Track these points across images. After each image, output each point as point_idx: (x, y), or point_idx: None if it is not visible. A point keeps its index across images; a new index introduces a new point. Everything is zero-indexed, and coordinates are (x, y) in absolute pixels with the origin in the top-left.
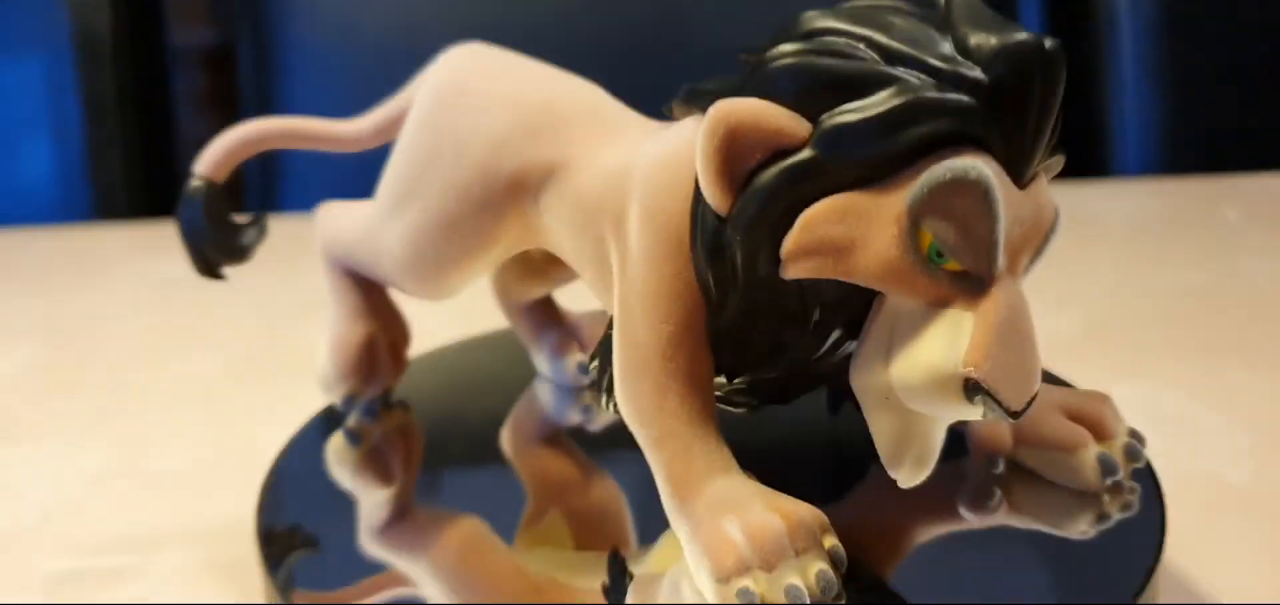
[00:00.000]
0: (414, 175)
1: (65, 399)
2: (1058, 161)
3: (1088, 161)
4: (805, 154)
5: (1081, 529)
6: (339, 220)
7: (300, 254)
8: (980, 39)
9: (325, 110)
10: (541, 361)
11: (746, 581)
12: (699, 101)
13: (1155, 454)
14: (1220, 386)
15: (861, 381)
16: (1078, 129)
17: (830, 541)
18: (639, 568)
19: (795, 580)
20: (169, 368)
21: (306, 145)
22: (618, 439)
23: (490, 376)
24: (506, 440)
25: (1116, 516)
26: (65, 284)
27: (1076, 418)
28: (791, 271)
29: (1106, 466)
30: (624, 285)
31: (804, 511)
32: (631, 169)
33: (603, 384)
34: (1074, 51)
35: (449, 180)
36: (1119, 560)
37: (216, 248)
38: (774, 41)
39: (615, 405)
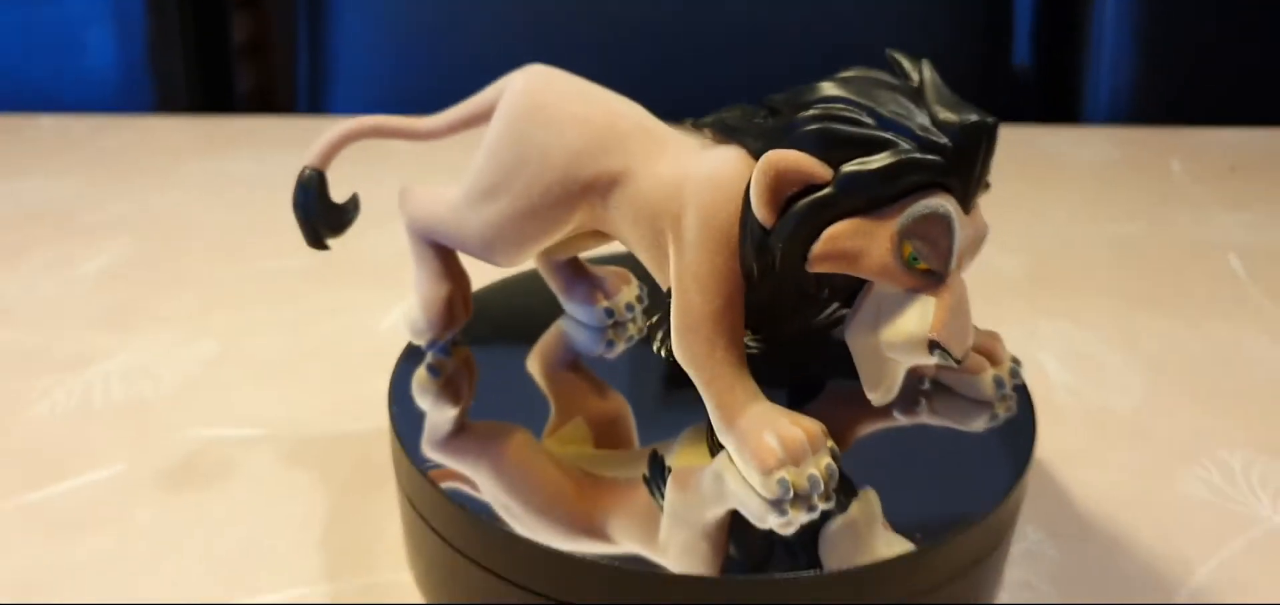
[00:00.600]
0: (502, 175)
1: (170, 290)
2: (987, 189)
3: (1062, 108)
4: (828, 191)
5: (980, 426)
6: (424, 202)
7: (349, 156)
8: (946, 116)
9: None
10: (573, 307)
11: (783, 473)
12: (732, 136)
13: (1064, 386)
14: (1128, 329)
15: (856, 339)
16: (1056, 77)
17: (830, 444)
18: (673, 462)
19: (814, 470)
20: (254, 263)
21: (391, 138)
22: (627, 366)
23: (520, 314)
24: (534, 365)
25: (1002, 417)
26: (143, 176)
27: (978, 350)
28: (816, 268)
29: (998, 384)
30: (680, 267)
31: (813, 425)
32: (684, 181)
33: (660, 337)
34: (1061, 5)
35: (534, 182)
36: (1005, 447)
37: (324, 224)
38: (796, 99)
39: (669, 352)
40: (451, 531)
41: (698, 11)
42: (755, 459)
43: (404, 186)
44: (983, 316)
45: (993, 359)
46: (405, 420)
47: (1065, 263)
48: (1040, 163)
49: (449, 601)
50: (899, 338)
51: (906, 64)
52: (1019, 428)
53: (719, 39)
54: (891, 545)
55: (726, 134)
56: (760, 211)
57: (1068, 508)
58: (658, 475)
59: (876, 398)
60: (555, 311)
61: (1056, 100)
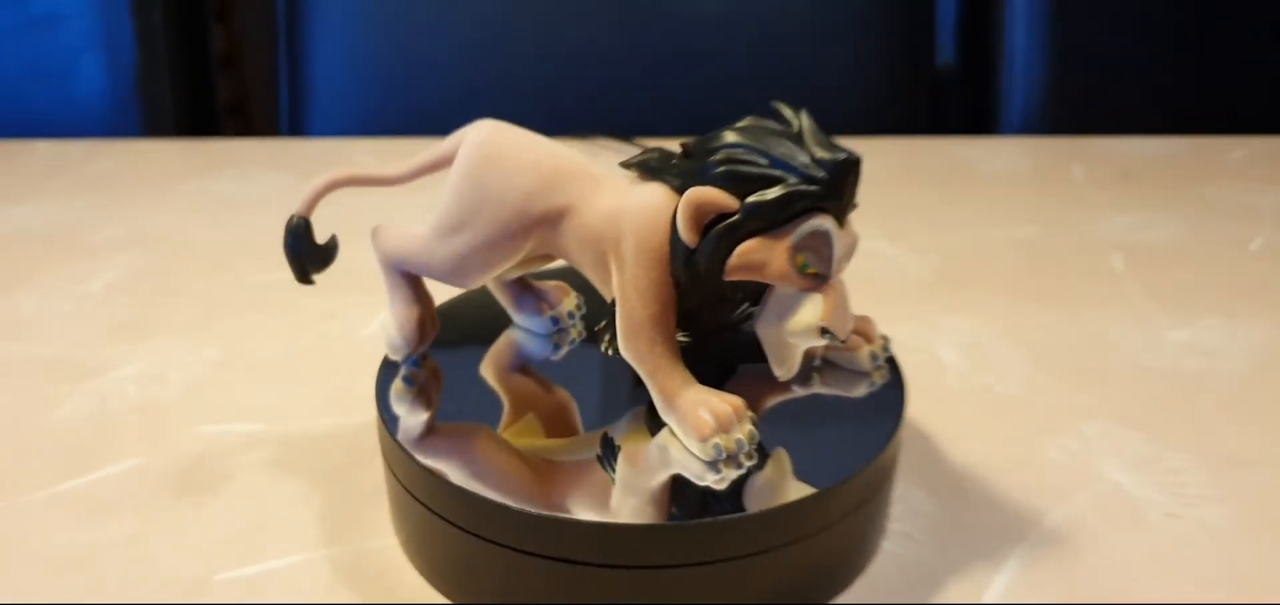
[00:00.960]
0: (467, 214)
1: (173, 302)
2: (856, 208)
3: (980, 120)
4: (737, 218)
5: (861, 392)
6: (395, 238)
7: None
8: (822, 155)
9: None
10: (522, 318)
11: (717, 439)
12: (656, 175)
13: (955, 371)
14: (1016, 321)
15: (764, 330)
16: (975, 91)
17: (751, 414)
18: (621, 442)
19: (740, 436)
20: (247, 277)
21: (365, 185)
22: (568, 367)
23: (472, 327)
24: (488, 371)
25: (878, 384)
26: (137, 198)
27: (856, 332)
28: (730, 277)
29: (873, 358)
30: (623, 281)
31: (736, 400)
32: (621, 213)
33: (608, 338)
34: (976, 23)
35: (494, 218)
36: (882, 409)
37: (312, 262)
38: (705, 145)
39: (617, 350)
40: (430, 498)
41: (649, 34)
42: (694, 430)
43: (375, 226)
44: (891, 311)
45: (867, 338)
46: (389, 411)
47: (968, 263)
48: (957, 172)
49: (428, 561)
50: (799, 327)
51: (788, 113)
52: (892, 393)
53: (667, 53)
54: (798, 491)
55: (650, 174)
56: (686, 235)
57: (947, 472)
58: (609, 454)
59: (782, 375)
60: (504, 322)
61: (978, 100)
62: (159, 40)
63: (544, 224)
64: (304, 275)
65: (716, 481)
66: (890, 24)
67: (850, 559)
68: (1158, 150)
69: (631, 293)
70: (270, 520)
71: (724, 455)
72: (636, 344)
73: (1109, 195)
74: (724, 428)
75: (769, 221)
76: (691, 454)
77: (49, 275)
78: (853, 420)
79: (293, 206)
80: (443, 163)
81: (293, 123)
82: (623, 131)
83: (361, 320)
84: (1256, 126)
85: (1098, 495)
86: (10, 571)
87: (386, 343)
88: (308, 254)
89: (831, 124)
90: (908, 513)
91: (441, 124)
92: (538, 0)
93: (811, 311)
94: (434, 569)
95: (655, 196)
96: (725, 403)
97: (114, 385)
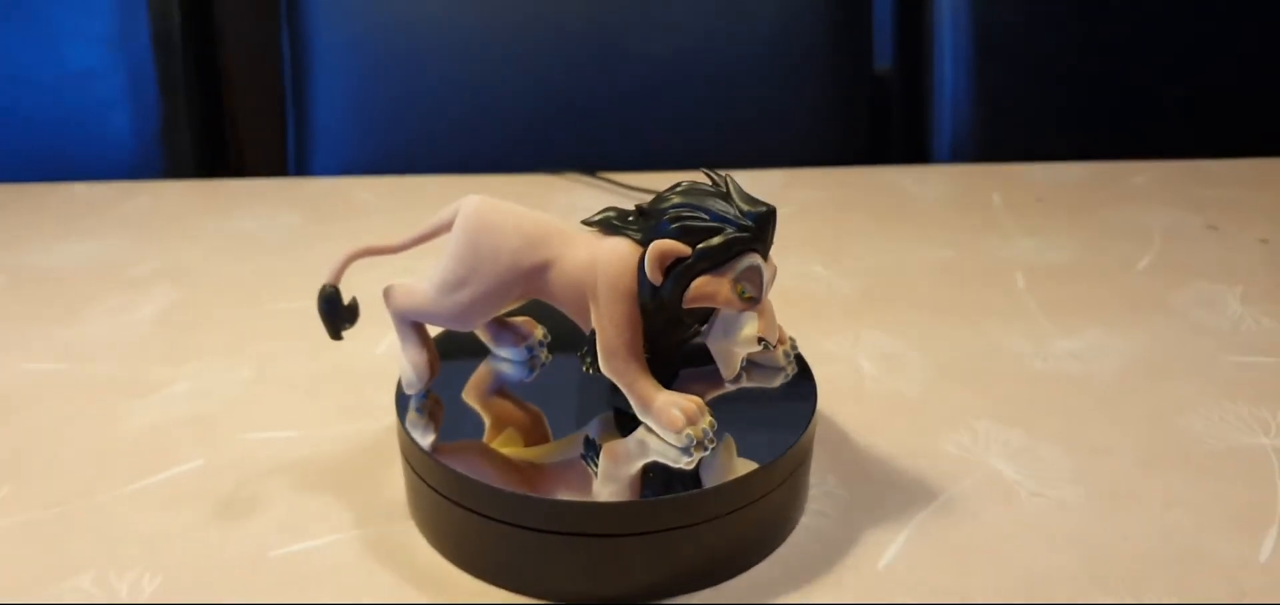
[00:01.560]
0: (467, 272)
1: (210, 329)
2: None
3: (912, 150)
4: (691, 261)
5: (778, 382)
6: (405, 295)
7: (331, 217)
8: (749, 208)
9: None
10: (501, 350)
11: (689, 430)
12: (618, 232)
13: (870, 378)
14: (927, 334)
15: (715, 344)
16: (906, 124)
17: (709, 411)
18: (600, 440)
19: (705, 425)
20: (272, 306)
21: (378, 255)
22: (541, 390)
23: (456, 359)
24: (470, 394)
25: (790, 374)
26: (169, 235)
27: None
28: (687, 305)
29: (787, 355)
30: (600, 315)
31: (697, 398)
32: (595, 261)
33: (589, 361)
34: (909, 61)
35: (490, 273)
36: (799, 399)
37: (341, 321)
38: (657, 207)
39: (596, 368)
40: (442, 485)
41: (615, 78)
42: (670, 425)
43: (386, 286)
44: (820, 326)
45: (782, 340)
46: (408, 420)
47: (891, 283)
48: (889, 199)
49: (439, 537)
50: (743, 339)
51: (717, 178)
52: (806, 385)
53: (632, 95)
54: (742, 467)
55: (612, 230)
56: (653, 275)
57: (857, 463)
58: (592, 452)
59: (727, 375)
60: (481, 353)
61: (907, 145)
62: (179, 94)
63: (532, 275)
64: (336, 333)
65: (688, 463)
66: (834, 65)
67: (778, 528)
68: (1069, 176)
69: (608, 324)
70: (309, 508)
71: (694, 442)
72: (614, 363)
73: (1020, 220)
74: (692, 421)
75: (714, 262)
76: (667, 444)
77: (102, 305)
78: (776, 409)
79: (303, 241)
80: (439, 231)
81: (298, 162)
82: (590, 166)
83: (372, 342)
84: (1159, 152)
85: (979, 480)
86: (112, 549)
87: (403, 381)
88: (339, 315)
89: (779, 156)
90: (822, 495)
91: (427, 162)
92: (516, 51)
93: (752, 326)
94: (445, 543)
95: (622, 248)
96: (690, 401)
97: (169, 400)
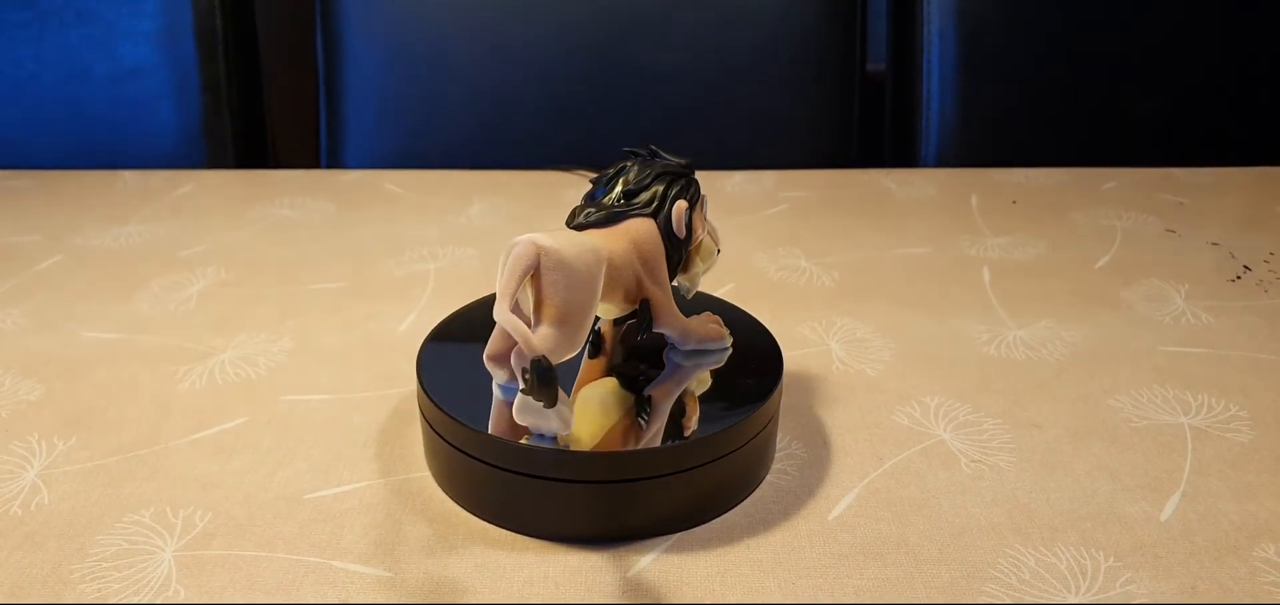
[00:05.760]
0: (566, 310)
1: (253, 306)
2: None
3: (902, 154)
4: (693, 202)
5: (737, 359)
6: (524, 334)
7: (362, 205)
8: (677, 158)
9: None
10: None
11: (724, 334)
12: (622, 217)
13: (838, 360)
14: (895, 322)
15: (681, 279)
16: (897, 129)
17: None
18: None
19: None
20: (308, 285)
21: (514, 334)
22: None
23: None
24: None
25: (728, 346)
26: (213, 220)
27: (713, 322)
28: (695, 241)
29: (726, 337)
30: (653, 285)
31: (715, 317)
32: (632, 247)
33: (643, 328)
34: (901, 70)
35: (584, 300)
36: (766, 375)
37: (556, 387)
38: (634, 190)
39: (648, 334)
40: (454, 437)
41: (621, 85)
42: (718, 336)
43: (512, 350)
44: (798, 314)
45: (721, 326)
46: (427, 382)
47: (867, 277)
48: (873, 200)
49: (454, 487)
50: (706, 254)
51: (639, 151)
52: (776, 362)
53: (637, 101)
54: (726, 422)
55: (615, 218)
56: (680, 230)
57: (819, 431)
58: (644, 405)
59: (687, 287)
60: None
61: (897, 148)
62: (221, 90)
63: (602, 284)
64: (553, 400)
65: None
66: (829, 73)
67: (746, 481)
68: (1044, 180)
69: (659, 288)
70: (341, 458)
71: (731, 337)
72: (667, 316)
73: (994, 220)
74: (722, 329)
75: (693, 201)
76: (711, 351)
77: (158, 283)
78: (750, 381)
79: (337, 227)
80: (518, 280)
81: (330, 155)
82: (597, 164)
83: (396, 320)
84: (1133, 160)
85: (926, 448)
86: (168, 490)
87: (547, 429)
88: (553, 382)
89: (773, 158)
90: (786, 456)
91: (448, 157)
92: (529, 58)
93: (708, 243)
94: (454, 488)
95: (645, 226)
96: (713, 320)
97: (218, 367)
